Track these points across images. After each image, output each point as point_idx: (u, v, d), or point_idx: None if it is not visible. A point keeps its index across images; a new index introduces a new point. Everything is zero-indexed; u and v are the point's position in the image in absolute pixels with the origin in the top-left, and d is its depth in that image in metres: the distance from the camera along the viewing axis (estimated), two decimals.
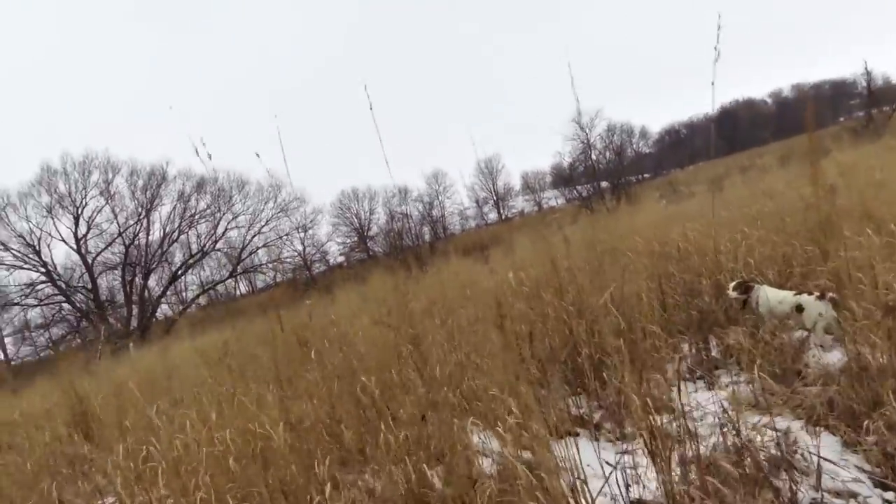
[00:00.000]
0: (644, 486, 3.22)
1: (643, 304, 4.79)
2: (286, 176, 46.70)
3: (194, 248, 36.12)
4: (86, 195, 33.11)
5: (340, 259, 44.24)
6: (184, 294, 37.10)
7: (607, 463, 3.65)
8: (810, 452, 2.96)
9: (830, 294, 4.16)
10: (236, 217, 36.52)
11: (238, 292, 44.54)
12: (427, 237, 44.60)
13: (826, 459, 2.84)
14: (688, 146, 58.94)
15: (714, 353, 4.56)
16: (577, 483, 3.47)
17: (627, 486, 3.14)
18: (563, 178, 38.13)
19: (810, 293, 4.27)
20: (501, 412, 4.06)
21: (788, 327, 4.46)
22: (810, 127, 5.33)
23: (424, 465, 3.40)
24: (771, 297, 4.46)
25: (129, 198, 34.42)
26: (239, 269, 36.65)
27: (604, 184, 36.20)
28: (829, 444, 3.03)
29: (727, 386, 4.11)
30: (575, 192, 36.08)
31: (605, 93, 64.93)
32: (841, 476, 2.80)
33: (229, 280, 38.87)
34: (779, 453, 2.93)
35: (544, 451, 3.85)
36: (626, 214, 12.28)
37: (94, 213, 33.44)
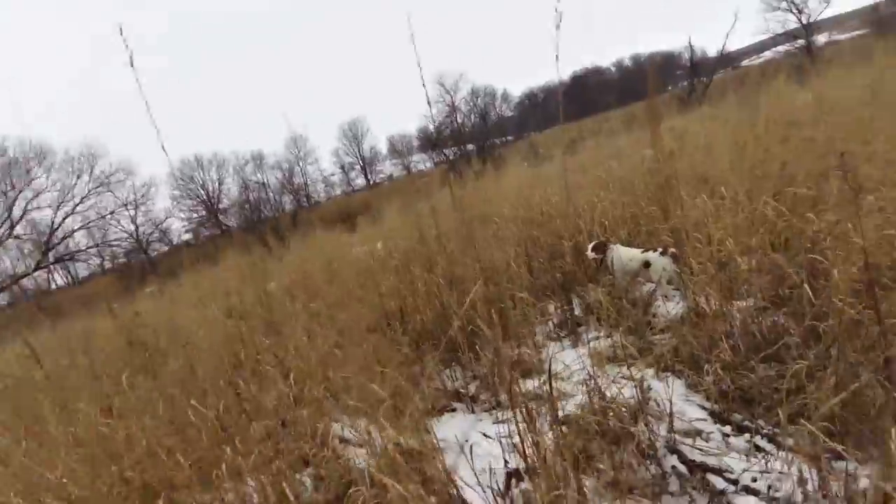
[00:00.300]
0: (521, 454, 3.38)
1: (511, 270, 4.97)
2: (103, 144, 40.84)
3: None
4: None
5: (187, 237, 39.63)
6: None
7: (485, 435, 3.78)
8: (662, 399, 3.29)
9: (672, 250, 4.59)
10: (38, 195, 30.77)
11: (53, 285, 39.14)
12: (289, 207, 42.33)
13: (675, 404, 3.18)
14: (546, 109, 62.11)
15: (577, 311, 4.88)
16: (456, 459, 3.60)
17: (505, 462, 3.26)
18: (430, 141, 38.33)
19: (655, 250, 4.68)
20: (374, 400, 4.05)
21: (639, 282, 4.89)
22: (651, 95, 5.76)
23: (287, 473, 3.24)
24: (623, 255, 4.84)
25: None
26: (50, 257, 31.23)
27: (470, 146, 37.02)
28: (676, 389, 3.37)
29: (589, 342, 4.42)
30: (442, 155, 36.49)
31: (468, 57, 65.51)
32: (687, 416, 3.13)
33: (39, 272, 33.16)
34: (636, 402, 3.21)
35: (421, 433, 3.89)
36: (492, 178, 12.69)
37: None
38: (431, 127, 38.73)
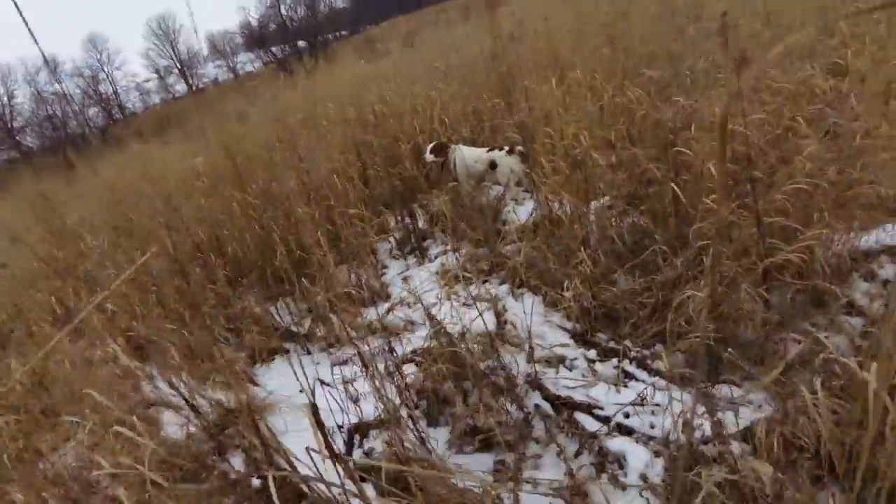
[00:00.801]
0: (364, 401, 2.79)
1: (341, 181, 4.15)
2: None
3: None
4: None
5: None
6: None
7: (322, 382, 3.14)
8: (521, 322, 2.84)
9: (519, 148, 4.07)
10: None
11: None
12: (98, 121, 36.34)
13: (533, 326, 2.74)
14: (382, 1, 58.18)
15: (421, 224, 4.25)
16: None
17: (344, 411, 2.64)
18: (255, 38, 34.03)
19: (501, 148, 4.13)
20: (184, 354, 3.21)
21: (485, 186, 4.37)
22: None
23: None
24: (467, 156, 4.24)
25: None
26: None
27: (301, 43, 33.58)
28: (534, 309, 2.94)
29: (436, 258, 3.86)
30: (270, 54, 32.78)
31: None
32: (548, 340, 2.72)
33: None
34: (491, 329, 2.73)
35: (241, 388, 3.18)
36: (324, 76, 11.31)
37: None
38: (252, 21, 34.23)
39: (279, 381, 3.35)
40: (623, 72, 3.87)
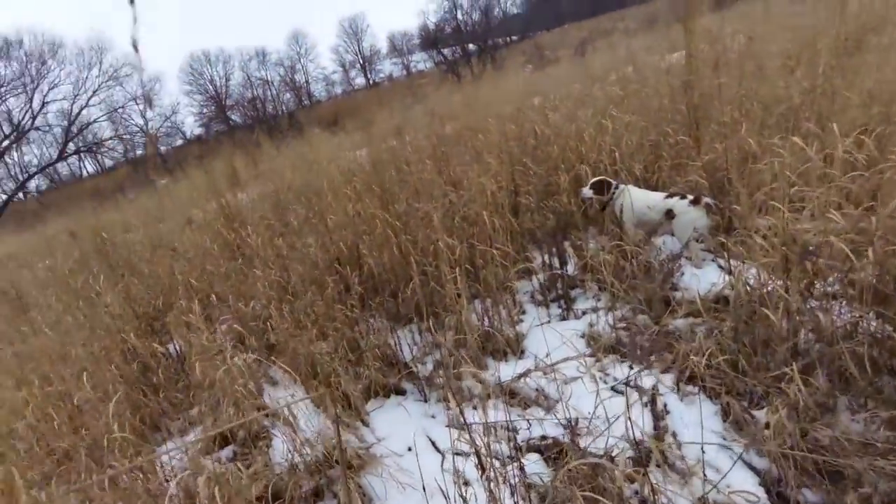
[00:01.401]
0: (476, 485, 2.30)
1: (490, 207, 3.68)
2: (109, 38, 38.62)
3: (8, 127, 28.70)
4: None
5: (199, 132, 38.52)
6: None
7: (433, 444, 2.72)
8: (684, 432, 2.15)
9: (707, 200, 3.28)
10: (53, 87, 29.02)
11: (84, 173, 38.06)
12: (290, 105, 40.11)
13: (707, 452, 2.03)
14: (556, 7, 57.13)
15: (571, 268, 3.63)
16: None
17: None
18: (430, 40, 35.06)
19: (683, 196, 3.36)
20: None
21: (656, 238, 3.63)
22: None
23: None
24: (638, 200, 3.52)
25: None
26: (70, 147, 30.11)
27: (471, 46, 33.93)
28: (709, 420, 2.22)
29: (584, 314, 3.22)
30: (441, 56, 33.53)
31: None
32: (730, 482, 1.98)
33: (71, 159, 32.35)
34: (635, 436, 2.08)
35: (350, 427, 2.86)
36: (489, 83, 11.00)
37: None
38: (429, 24, 35.27)
39: (390, 427, 2.98)
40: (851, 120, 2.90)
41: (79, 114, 29.91)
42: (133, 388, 3.13)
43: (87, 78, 29.89)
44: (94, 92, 30.12)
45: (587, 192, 3.70)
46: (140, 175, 23.39)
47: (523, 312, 3.46)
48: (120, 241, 6.00)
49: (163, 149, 34.54)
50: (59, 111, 29.75)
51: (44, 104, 28.88)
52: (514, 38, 44.98)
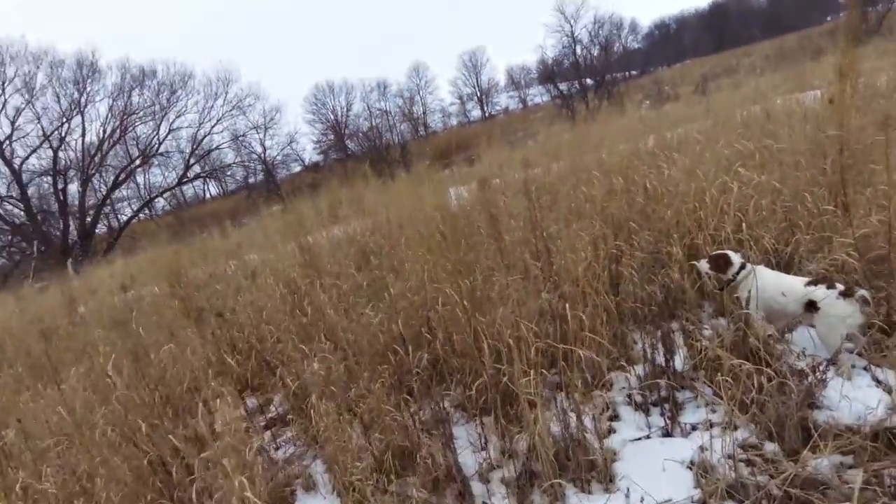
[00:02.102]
0: None
1: (585, 283, 3.16)
2: (237, 69, 41.91)
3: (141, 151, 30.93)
4: (2, 91, 26.07)
5: (318, 158, 40.69)
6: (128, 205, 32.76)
7: None
8: None
9: (862, 292, 2.54)
10: (180, 115, 31.20)
11: (207, 195, 41.40)
12: (406, 136, 41.32)
13: None
14: (677, 42, 54.44)
15: (679, 362, 2.97)
16: None
17: None
18: (547, 74, 34.65)
19: (831, 284, 2.63)
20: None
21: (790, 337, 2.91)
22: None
23: None
24: (770, 284, 2.82)
25: (51, 94, 27.34)
26: (191, 172, 32.16)
27: (589, 81, 33.00)
28: None
29: (694, 430, 2.58)
30: (557, 90, 32.94)
31: None
32: None
33: (196, 182, 34.91)
34: None
35: None
36: (603, 121, 10.40)
37: (17, 114, 26.50)
38: (547, 58, 34.80)
39: None
40: None
41: (202, 141, 31.92)
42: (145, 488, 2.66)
43: (212, 107, 31.86)
44: (218, 120, 32.09)
45: (704, 265, 3.06)
46: (255, 201, 24.98)
47: (616, 417, 2.84)
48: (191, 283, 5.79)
49: (282, 174, 36.46)
50: (185, 138, 32.13)
51: (170, 131, 31.15)
52: (633, 73, 43.34)
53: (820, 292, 2.63)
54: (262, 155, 34.26)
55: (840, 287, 2.59)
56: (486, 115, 48.88)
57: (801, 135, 4.15)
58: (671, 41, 54.84)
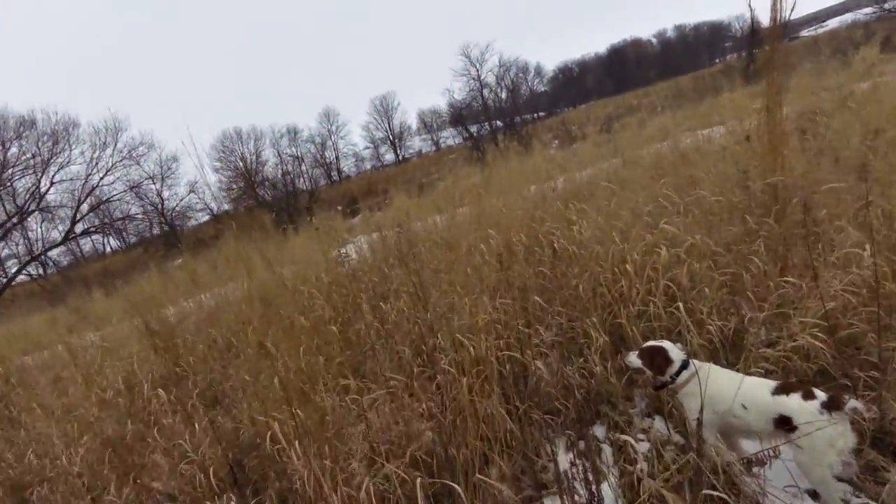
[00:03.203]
0: None
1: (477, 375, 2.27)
2: (126, 118, 39.34)
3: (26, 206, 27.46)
4: None
5: (228, 207, 38.36)
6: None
7: None
8: None
9: (854, 403, 1.81)
10: (63, 167, 28.24)
11: (108, 249, 37.99)
12: (319, 182, 40.17)
13: None
14: (580, 84, 57.69)
15: (609, 495, 2.11)
16: None
17: None
18: (457, 116, 34.98)
19: (809, 393, 1.89)
20: None
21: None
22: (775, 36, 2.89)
23: None
24: (723, 391, 2.04)
25: None
26: (78, 227, 28.75)
27: (498, 123, 33.61)
28: None
29: None
30: (467, 132, 33.27)
31: (499, 29, 61.19)
32: None
33: (95, 236, 31.86)
34: None
35: None
36: (512, 163, 9.97)
37: None
38: (455, 101, 35.17)
39: None
40: None
41: (89, 193, 28.88)
42: None
43: (99, 157, 28.93)
44: (108, 171, 29.19)
45: (633, 359, 2.26)
46: (152, 255, 22.66)
47: None
48: None
49: (190, 224, 34.01)
50: (67, 191, 28.96)
51: (51, 184, 27.88)
52: (541, 114, 44.98)
53: (794, 403, 1.88)
54: (160, 206, 31.68)
55: (822, 396, 1.85)
56: (400, 158, 48.81)
57: (723, 177, 3.58)
58: (575, 84, 57.97)
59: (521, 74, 38.22)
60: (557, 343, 2.79)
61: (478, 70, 34.06)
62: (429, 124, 48.97)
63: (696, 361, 2.13)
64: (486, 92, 33.92)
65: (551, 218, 4.15)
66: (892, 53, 10.73)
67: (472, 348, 2.33)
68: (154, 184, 32.24)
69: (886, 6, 23.36)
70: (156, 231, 32.03)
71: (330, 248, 7.85)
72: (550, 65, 68.66)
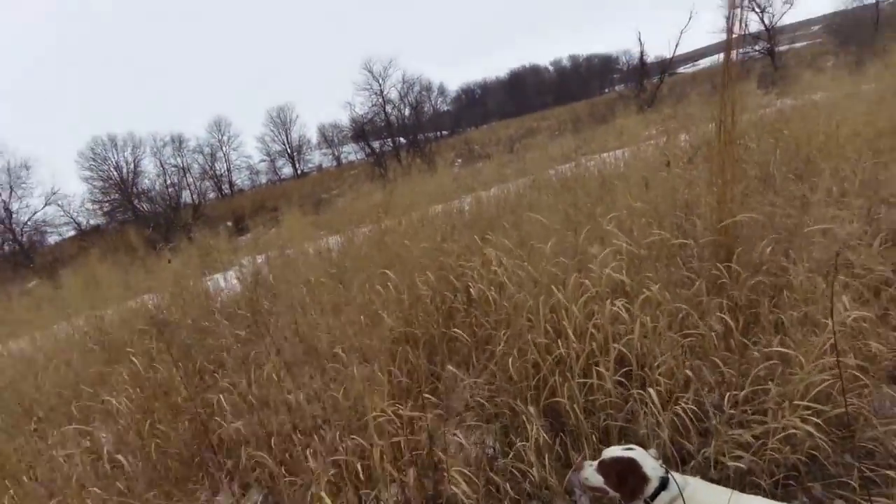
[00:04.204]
0: None
1: None
2: None
3: None
4: None
5: (98, 222, 34.06)
6: None
7: None
8: None
9: None
10: None
11: None
12: (208, 195, 37.29)
13: None
14: (482, 105, 59.05)
15: None
16: None
17: None
18: (359, 132, 33.97)
19: None
20: None
21: None
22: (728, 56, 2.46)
23: None
24: None
25: None
26: None
27: (402, 140, 33.08)
28: None
29: None
30: (369, 148, 32.42)
31: (402, 46, 61.21)
32: None
33: None
34: None
35: None
36: (416, 181, 9.30)
37: None
38: (356, 115, 34.11)
39: None
40: None
41: None
42: None
43: None
44: None
45: (591, 475, 1.62)
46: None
47: None
48: None
49: (51, 240, 30.00)
50: None
51: None
52: (444, 132, 45.16)
53: None
54: (7, 220, 27.45)
55: None
56: (299, 172, 46.79)
57: (655, 209, 3.12)
58: (477, 104, 59.26)
59: (424, 92, 38.00)
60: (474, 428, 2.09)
61: (380, 85, 33.38)
62: (329, 138, 47.40)
63: (675, 475, 1.52)
64: (388, 108, 33.29)
65: (462, 250, 3.51)
66: (766, 88, 11.51)
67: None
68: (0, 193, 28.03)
69: (756, 48, 25.87)
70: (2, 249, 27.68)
71: (194, 275, 6.70)
72: (453, 85, 69.91)
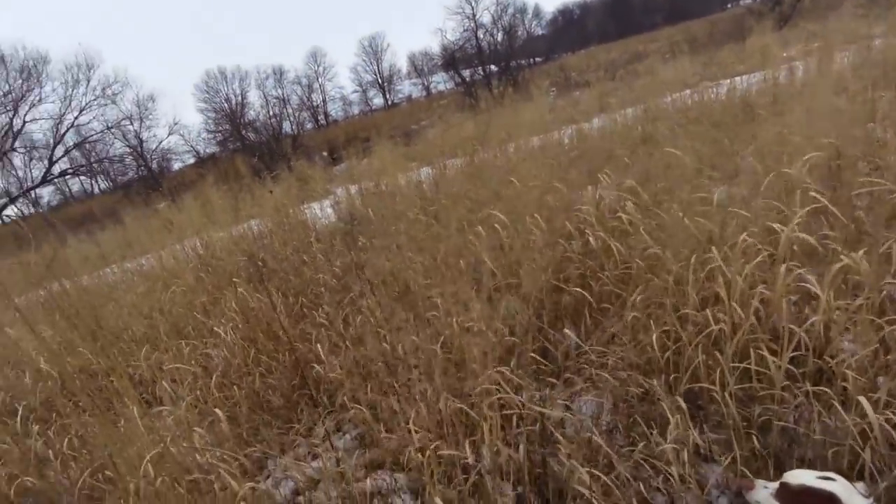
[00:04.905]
0: None
1: None
2: (98, 53, 36.59)
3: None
4: None
5: (215, 150, 36.47)
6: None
7: None
8: None
9: None
10: (35, 106, 25.89)
11: (97, 189, 36.37)
12: (305, 125, 38.25)
13: None
14: (581, 28, 54.90)
15: None
16: None
17: None
18: (449, 60, 32.79)
19: None
20: None
21: None
22: None
23: None
24: None
25: None
26: (56, 169, 27.10)
27: (493, 67, 31.60)
28: None
29: None
30: (459, 77, 31.30)
31: None
32: None
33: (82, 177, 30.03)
34: None
35: None
36: (509, 113, 8.68)
37: None
38: (447, 42, 32.78)
39: None
40: None
41: (64, 133, 27.05)
42: None
43: (71, 95, 26.60)
44: (82, 110, 27.18)
45: (766, 499, 1.26)
46: (133, 198, 21.34)
47: None
48: None
49: (175, 166, 32.45)
50: (42, 130, 27.16)
51: (24, 123, 25.91)
52: (538, 59, 42.64)
53: None
54: (139, 147, 29.89)
55: None
56: (389, 103, 46.63)
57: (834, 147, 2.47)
58: (575, 27, 55.19)
59: (518, 15, 35.74)
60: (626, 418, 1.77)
61: (473, 8, 31.69)
62: (419, 68, 46.50)
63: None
64: (480, 33, 31.70)
65: (569, 187, 3.07)
66: None
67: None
68: (132, 124, 30.38)
69: None
70: (134, 173, 30.35)
71: (293, 203, 6.72)
72: (550, 6, 65.35)
